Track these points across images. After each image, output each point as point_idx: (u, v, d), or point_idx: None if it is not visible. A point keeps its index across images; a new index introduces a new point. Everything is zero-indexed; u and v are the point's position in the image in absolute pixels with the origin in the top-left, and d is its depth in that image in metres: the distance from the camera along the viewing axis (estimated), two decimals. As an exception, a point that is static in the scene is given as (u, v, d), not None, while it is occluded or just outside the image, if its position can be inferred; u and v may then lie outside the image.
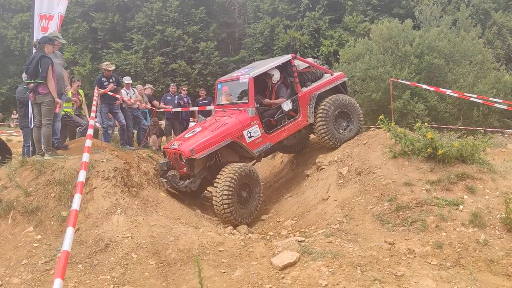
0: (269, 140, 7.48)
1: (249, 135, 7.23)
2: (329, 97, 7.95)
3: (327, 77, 8.47)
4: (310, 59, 8.95)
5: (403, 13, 30.24)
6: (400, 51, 17.92)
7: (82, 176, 4.07)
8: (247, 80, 7.43)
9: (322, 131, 7.71)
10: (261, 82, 8.03)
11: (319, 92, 7.99)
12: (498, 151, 9.18)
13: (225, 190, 6.41)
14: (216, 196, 6.50)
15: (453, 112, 17.30)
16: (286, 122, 7.73)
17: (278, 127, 7.64)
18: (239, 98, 7.94)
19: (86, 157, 4.57)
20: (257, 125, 7.34)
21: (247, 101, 7.47)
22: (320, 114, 7.74)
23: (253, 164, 7.90)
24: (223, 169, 6.67)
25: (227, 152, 7.19)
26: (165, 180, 7.13)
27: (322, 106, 7.80)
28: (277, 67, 7.93)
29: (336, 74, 8.62)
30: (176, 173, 7.07)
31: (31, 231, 5.12)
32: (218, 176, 6.63)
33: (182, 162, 6.89)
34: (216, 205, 6.50)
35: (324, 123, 7.69)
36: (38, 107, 6.53)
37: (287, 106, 7.76)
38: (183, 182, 6.95)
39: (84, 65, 33.13)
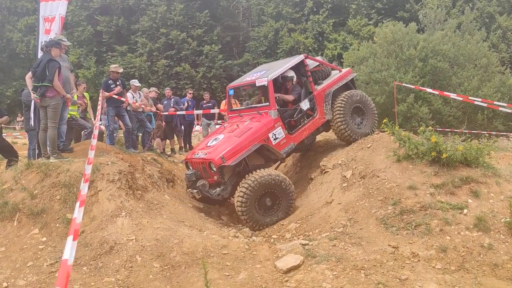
0: (293, 141, 7.56)
1: (274, 137, 7.28)
2: (346, 93, 8.10)
3: (335, 74, 8.59)
4: (319, 57, 9.13)
5: (407, 17, 30.22)
6: (404, 55, 17.89)
7: (84, 189, 4.06)
8: (266, 83, 7.46)
9: (341, 125, 7.83)
10: (275, 83, 8.01)
11: (334, 89, 8.11)
12: (502, 155, 9.14)
13: (239, 196, 6.46)
14: (235, 201, 6.58)
15: (457, 115, 17.25)
16: (305, 122, 7.81)
17: (299, 127, 7.71)
18: (257, 102, 7.99)
19: (88, 169, 4.58)
20: (280, 127, 7.41)
21: (267, 104, 7.54)
22: (338, 109, 7.86)
23: (277, 167, 8.05)
24: (247, 175, 6.66)
25: (254, 156, 7.18)
26: (195, 190, 7.07)
27: (339, 101, 7.93)
28: (291, 68, 8.01)
29: (344, 70, 8.75)
30: (205, 183, 7.01)
31: (37, 233, 5.16)
32: (241, 182, 6.66)
33: (212, 171, 6.86)
34: (237, 210, 6.61)
35: (342, 117, 7.81)
36: (44, 110, 6.58)
37: (305, 105, 7.86)
38: (214, 190, 6.92)
39: (89, 68, 33.33)
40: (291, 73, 8.05)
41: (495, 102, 12.07)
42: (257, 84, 7.76)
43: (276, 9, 35.68)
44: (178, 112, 11.26)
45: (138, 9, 35.89)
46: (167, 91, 12.25)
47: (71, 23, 35.04)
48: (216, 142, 7.33)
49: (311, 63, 8.28)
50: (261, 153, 7.28)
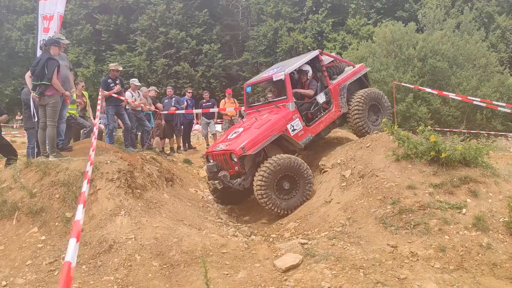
0: (310, 132, 7.78)
1: (292, 128, 7.50)
2: (364, 90, 8.41)
3: (349, 69, 8.87)
4: (333, 53, 9.33)
5: (407, 16, 30.24)
6: (404, 54, 17.94)
7: (85, 188, 4.07)
8: (283, 77, 7.71)
9: (359, 121, 8.08)
10: (291, 79, 8.22)
11: (348, 83, 8.37)
12: (501, 155, 9.16)
13: (258, 180, 6.62)
14: (254, 188, 6.71)
15: (456, 115, 17.30)
16: (321, 114, 8.03)
17: (316, 119, 7.94)
18: (274, 97, 8.21)
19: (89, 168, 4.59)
20: (298, 119, 7.63)
21: (285, 97, 7.74)
22: (356, 106, 8.10)
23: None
24: (265, 161, 6.85)
25: (272, 148, 7.33)
26: (217, 181, 7.29)
27: (358, 98, 8.18)
28: (307, 63, 8.30)
29: (357, 66, 9.03)
30: (226, 173, 7.21)
31: (36, 232, 5.15)
32: (259, 163, 6.89)
33: (233, 161, 7.05)
34: (255, 194, 6.75)
35: (360, 113, 8.08)
36: (43, 109, 6.57)
37: (321, 98, 8.10)
38: (236, 180, 7.09)
39: (88, 67, 33.28)
40: (307, 68, 8.30)
41: (494, 102, 12.10)
42: (274, 79, 7.97)
43: (276, 8, 35.70)
44: (177, 111, 11.25)
45: (137, 8, 35.88)
46: (169, 90, 12.26)
47: (70, 22, 35.00)
48: (235, 135, 7.55)
49: (325, 59, 8.59)
50: (279, 144, 7.45)
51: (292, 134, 7.47)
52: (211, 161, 7.66)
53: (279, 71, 8.05)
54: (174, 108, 11.40)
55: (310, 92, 8.16)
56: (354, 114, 8.12)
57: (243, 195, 8.08)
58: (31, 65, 6.74)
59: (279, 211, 6.74)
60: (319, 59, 8.32)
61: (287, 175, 6.85)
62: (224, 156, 7.18)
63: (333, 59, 8.87)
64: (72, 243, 2.61)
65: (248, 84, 8.95)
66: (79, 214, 3.23)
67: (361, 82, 8.80)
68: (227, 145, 7.28)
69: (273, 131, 7.21)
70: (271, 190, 6.68)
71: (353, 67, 8.89)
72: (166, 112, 11.17)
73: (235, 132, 7.70)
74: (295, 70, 8.20)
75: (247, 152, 6.84)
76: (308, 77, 8.33)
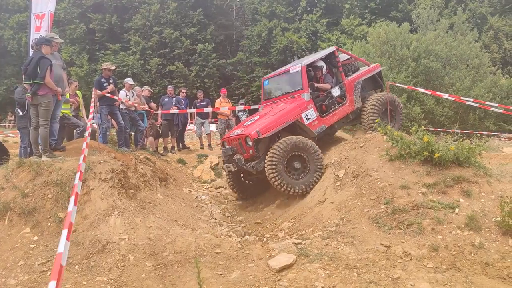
0: (324, 123, 8.05)
1: (306, 117, 7.78)
2: (380, 94, 8.70)
3: (364, 68, 9.19)
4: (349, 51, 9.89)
5: (400, 17, 30.34)
6: (397, 55, 17.98)
7: (78, 186, 4.05)
8: (299, 69, 8.08)
9: (371, 122, 8.21)
10: (307, 75, 8.43)
11: (362, 79, 8.69)
12: (494, 155, 9.22)
13: (269, 160, 6.85)
14: (266, 169, 6.93)
15: (449, 115, 17.37)
16: (336, 107, 8.32)
17: (330, 111, 8.21)
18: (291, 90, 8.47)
19: (82, 167, 4.57)
20: (312, 109, 7.91)
21: (300, 88, 8.02)
22: (372, 107, 8.35)
23: None
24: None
25: (286, 135, 7.43)
26: (231, 163, 7.59)
27: (376, 99, 8.44)
28: (322, 59, 8.67)
29: (372, 65, 9.37)
30: (241, 157, 7.48)
31: (28, 232, 5.12)
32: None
33: (248, 145, 7.34)
34: (268, 177, 6.92)
35: (374, 115, 8.27)
36: (35, 108, 6.52)
37: (336, 92, 8.41)
38: (249, 163, 7.35)
39: (82, 66, 33.09)
40: (321, 63, 8.62)
41: (486, 102, 12.16)
42: (291, 71, 8.32)
43: (270, 8, 35.68)
44: (171, 111, 11.20)
45: (131, 7, 35.74)
46: (170, 89, 12.23)
47: (64, 21, 34.79)
48: (251, 122, 7.96)
49: (342, 56, 8.91)
50: (293, 132, 7.58)
51: (306, 123, 7.72)
52: (227, 145, 7.99)
53: (296, 64, 8.43)
54: (176, 107, 11.37)
55: (326, 85, 8.45)
56: (368, 114, 8.33)
57: (259, 188, 8.36)
58: (23, 64, 6.69)
59: (292, 190, 6.92)
60: (335, 55, 8.62)
61: (297, 155, 7.07)
62: (240, 140, 7.50)
63: (349, 56, 9.22)
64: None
65: (266, 78, 9.38)
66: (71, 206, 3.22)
67: (375, 80, 9.13)
68: (242, 130, 7.66)
69: (287, 118, 7.50)
70: (283, 170, 6.88)
71: (368, 66, 9.23)
72: (159, 112, 11.12)
73: (251, 120, 8.07)
74: (310, 65, 8.51)
75: (262, 135, 7.13)
76: (323, 73, 8.59)
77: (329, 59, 8.80)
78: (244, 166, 7.38)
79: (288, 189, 6.89)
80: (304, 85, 7.94)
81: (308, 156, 7.11)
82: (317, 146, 7.25)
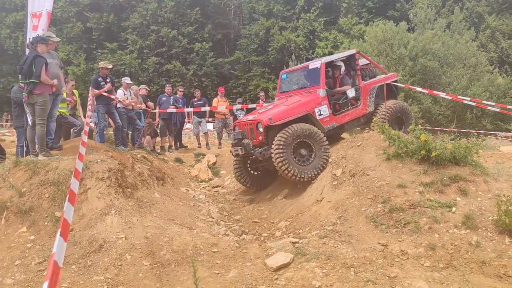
0: (335, 121, 8.12)
1: (319, 112, 7.85)
2: (393, 102, 8.77)
3: (381, 75, 9.34)
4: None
5: (398, 16, 30.41)
6: (395, 54, 18.01)
7: (74, 186, 4.01)
8: (319, 65, 8.16)
9: None
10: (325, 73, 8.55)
11: (378, 86, 8.81)
12: (491, 154, 9.22)
13: (276, 148, 6.94)
14: (272, 152, 7.03)
15: (446, 114, 17.41)
16: (348, 108, 8.42)
17: (342, 111, 8.31)
18: (307, 85, 8.57)
19: (79, 165, 4.54)
20: (326, 105, 7.98)
21: (317, 84, 8.10)
22: (384, 113, 8.41)
23: None
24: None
25: None
26: (240, 147, 7.69)
27: (388, 105, 8.54)
28: (342, 60, 8.80)
29: (389, 74, 9.58)
30: (250, 142, 7.58)
31: (25, 232, 5.10)
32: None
33: (258, 131, 7.45)
34: (274, 160, 7.01)
35: (385, 119, 8.31)
36: (32, 107, 6.50)
37: (351, 93, 8.50)
38: (257, 149, 7.44)
39: (79, 65, 33.04)
40: (340, 63, 8.72)
41: (483, 101, 12.19)
42: (310, 67, 8.43)
43: (267, 7, 35.70)
44: (168, 110, 11.19)
45: (128, 6, 35.69)
46: (168, 88, 12.20)
47: (61, 20, 34.72)
48: (265, 110, 8.13)
49: (361, 61, 9.13)
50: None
51: (318, 118, 7.79)
52: (237, 129, 8.09)
53: (316, 61, 8.56)
54: (174, 106, 11.35)
55: (346, 87, 8.51)
56: (380, 118, 8.37)
57: (265, 179, 8.52)
58: (19, 63, 6.66)
59: (299, 176, 6.98)
60: (355, 58, 8.76)
61: (303, 142, 7.18)
62: (251, 125, 7.60)
63: (368, 62, 9.33)
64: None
65: (284, 72, 9.50)
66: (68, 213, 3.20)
67: (391, 89, 9.22)
68: (255, 116, 7.78)
69: (301, 110, 7.60)
70: (290, 157, 6.97)
71: (386, 74, 9.40)
72: (156, 111, 11.10)
73: (265, 108, 8.28)
74: (330, 63, 8.59)
75: (273, 123, 7.23)
76: (341, 73, 8.66)
77: (349, 61, 8.92)
78: (252, 151, 7.45)
79: (295, 174, 6.95)
80: (322, 81, 8.03)
81: (314, 143, 7.21)
82: (323, 135, 7.36)
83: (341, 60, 8.74)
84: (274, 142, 7.03)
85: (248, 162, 8.40)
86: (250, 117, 8.03)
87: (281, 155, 6.90)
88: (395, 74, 9.67)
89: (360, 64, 8.87)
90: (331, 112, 8.02)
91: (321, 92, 7.96)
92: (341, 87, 8.54)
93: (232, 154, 8.23)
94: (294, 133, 7.03)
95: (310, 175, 7.05)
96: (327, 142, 7.38)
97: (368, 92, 8.63)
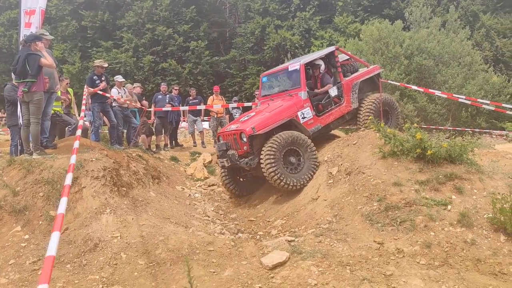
0: (319, 122, 8.06)
1: (302, 116, 7.78)
2: (377, 95, 8.72)
3: (363, 69, 9.19)
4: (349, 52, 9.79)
5: (393, 14, 30.42)
6: (390, 52, 18.03)
7: (69, 179, 4.01)
8: (298, 67, 8.07)
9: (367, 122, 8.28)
10: (306, 74, 8.41)
11: (360, 81, 8.70)
12: (486, 152, 9.24)
13: (267, 156, 6.83)
14: (262, 161, 6.90)
15: (442, 113, 17.46)
16: (332, 107, 8.33)
17: (326, 111, 8.22)
18: (288, 87, 8.46)
19: (73, 159, 4.54)
20: (308, 108, 7.91)
21: (298, 86, 8.02)
22: (369, 107, 8.42)
23: None
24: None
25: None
26: (225, 159, 7.57)
27: (371, 101, 8.49)
28: (322, 58, 8.62)
29: (371, 66, 9.44)
30: (235, 152, 7.45)
31: (19, 231, 5.07)
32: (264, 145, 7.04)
33: (242, 141, 7.34)
34: (264, 172, 6.89)
35: (371, 114, 8.26)
36: (26, 106, 6.46)
37: (333, 92, 8.42)
38: (243, 159, 7.33)
39: (74, 64, 32.86)
40: (319, 62, 8.56)
41: (478, 100, 12.22)
42: (289, 69, 8.32)
43: (263, 6, 35.65)
44: (164, 109, 11.15)
45: (123, 4, 35.52)
46: (163, 86, 12.14)
47: (55, 18, 34.52)
48: (247, 118, 7.95)
49: (341, 56, 8.93)
50: (289, 130, 7.52)
51: (302, 122, 7.72)
52: (222, 140, 7.93)
53: (295, 62, 8.43)
54: (169, 105, 11.31)
55: (328, 87, 8.39)
56: (364, 114, 8.36)
57: (253, 185, 8.37)
58: (12, 64, 6.60)
59: (291, 184, 6.90)
60: (334, 55, 8.63)
61: (292, 150, 7.11)
62: (234, 135, 7.49)
63: (348, 57, 9.20)
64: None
65: (264, 75, 9.35)
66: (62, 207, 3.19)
67: (374, 82, 9.07)
68: (238, 126, 7.64)
69: (283, 115, 7.51)
70: (281, 165, 6.89)
71: (367, 67, 9.22)
72: (151, 109, 11.06)
73: (247, 116, 8.05)
74: (309, 63, 8.46)
75: (256, 132, 7.13)
76: (321, 71, 8.55)
77: (329, 58, 8.78)
78: (238, 162, 7.35)
79: (287, 183, 6.86)
80: (302, 83, 7.94)
81: (302, 150, 7.14)
82: (310, 140, 7.30)
83: (320, 59, 8.60)
84: (263, 152, 6.92)
85: (235, 169, 8.26)
86: (232, 126, 7.89)
87: (272, 165, 6.79)
88: (377, 66, 9.53)
89: (340, 60, 8.75)
90: (314, 114, 7.95)
91: (303, 94, 7.88)
92: (323, 87, 8.43)
93: (219, 166, 8.14)
94: (283, 142, 6.94)
95: (302, 183, 6.98)
96: (315, 148, 7.32)
97: (351, 88, 8.54)
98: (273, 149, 6.83)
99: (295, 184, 6.92)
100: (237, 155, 7.41)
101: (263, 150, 6.93)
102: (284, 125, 7.40)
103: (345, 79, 8.57)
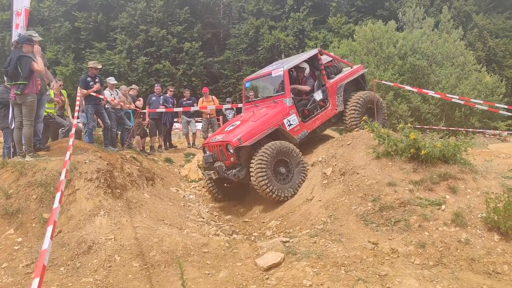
0: (306, 128, 7.96)
1: (288, 123, 7.68)
2: (363, 92, 8.65)
3: (346, 70, 9.06)
4: (331, 53, 9.72)
5: (387, 15, 30.55)
6: (384, 53, 18.11)
7: (63, 175, 4.00)
8: (282, 73, 7.92)
9: (354, 122, 8.26)
10: (290, 76, 8.30)
11: (345, 83, 8.60)
12: (479, 151, 9.30)
13: (257, 167, 6.68)
14: (252, 174, 6.76)
15: (435, 112, 17.55)
16: (318, 111, 8.22)
17: (312, 116, 8.11)
18: (273, 92, 8.38)
19: (67, 155, 4.51)
20: (294, 114, 7.80)
21: (282, 92, 7.90)
22: (353, 106, 8.33)
23: None
24: (258, 150, 6.93)
25: (268, 142, 7.32)
26: (212, 171, 7.44)
27: (356, 99, 8.39)
28: (305, 61, 8.50)
29: (355, 66, 9.26)
30: (222, 164, 7.29)
31: (12, 234, 5.03)
32: (254, 155, 6.90)
33: (229, 153, 7.17)
34: (254, 183, 6.78)
35: (356, 115, 8.28)
36: (19, 108, 6.42)
37: (318, 96, 8.31)
38: (231, 171, 7.19)
39: (67, 65, 32.71)
40: (304, 65, 8.50)
41: (471, 100, 12.28)
42: (273, 75, 8.18)
43: (257, 7, 35.68)
44: (158, 110, 11.12)
45: (117, 5, 35.43)
46: (157, 87, 12.06)
47: (48, 19, 34.36)
48: (233, 127, 7.72)
49: (324, 58, 8.74)
50: (275, 138, 7.46)
51: (288, 129, 7.62)
52: (208, 152, 7.76)
53: (279, 67, 8.22)
54: (163, 106, 11.27)
55: (306, 88, 8.34)
56: (350, 114, 8.30)
57: (239, 192, 8.24)
58: (3, 66, 6.55)
59: (283, 195, 6.81)
60: (318, 57, 8.48)
61: (282, 160, 6.99)
62: (221, 147, 7.32)
63: (331, 58, 9.07)
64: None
65: (247, 80, 9.16)
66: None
67: (358, 82, 9.00)
68: (223, 137, 7.42)
69: (269, 125, 7.38)
70: (271, 176, 6.78)
71: (351, 68, 9.08)
72: (145, 110, 11.02)
73: (232, 125, 7.86)
74: (293, 67, 8.31)
75: (243, 143, 6.97)
76: (305, 74, 8.48)
77: (312, 61, 8.65)
78: (226, 174, 7.21)
79: (279, 194, 6.76)
80: (287, 90, 7.80)
81: (291, 160, 7.05)
82: (298, 150, 7.22)
83: (304, 61, 8.48)
84: (253, 165, 6.78)
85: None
86: (218, 137, 7.64)
87: (264, 178, 6.66)
88: (360, 66, 9.39)
89: (324, 62, 8.62)
90: (300, 120, 7.84)
91: (288, 101, 7.76)
92: (302, 86, 8.38)
93: (206, 178, 8.03)
94: (273, 153, 6.82)
95: (293, 193, 6.90)
96: (303, 157, 7.26)
97: (336, 91, 8.42)
98: (263, 162, 6.70)
99: (286, 195, 6.83)
100: (224, 167, 7.25)
101: (253, 163, 6.80)
102: (270, 134, 7.30)
103: (330, 82, 8.44)
